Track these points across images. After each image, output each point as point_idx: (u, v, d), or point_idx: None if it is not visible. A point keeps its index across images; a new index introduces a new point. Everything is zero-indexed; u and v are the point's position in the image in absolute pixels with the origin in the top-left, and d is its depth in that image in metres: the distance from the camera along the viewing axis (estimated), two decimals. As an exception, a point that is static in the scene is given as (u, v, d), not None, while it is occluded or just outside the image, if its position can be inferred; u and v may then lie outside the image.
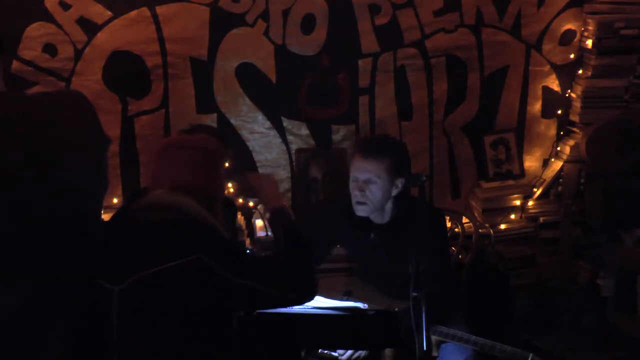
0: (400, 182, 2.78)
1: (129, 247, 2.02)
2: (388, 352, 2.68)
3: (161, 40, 3.40)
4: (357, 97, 3.64)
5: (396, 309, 2.50)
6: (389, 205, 2.82)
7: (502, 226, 3.77)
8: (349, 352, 2.71)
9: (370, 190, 2.74)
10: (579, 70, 3.76)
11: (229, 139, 3.19)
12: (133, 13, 3.35)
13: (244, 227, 3.49)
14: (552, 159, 3.86)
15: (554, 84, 3.82)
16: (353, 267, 3.24)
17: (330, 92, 3.61)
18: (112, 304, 1.95)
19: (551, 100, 3.83)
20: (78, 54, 3.34)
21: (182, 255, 1.92)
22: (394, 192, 2.79)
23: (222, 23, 3.44)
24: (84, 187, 1.89)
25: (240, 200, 3.47)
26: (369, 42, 3.57)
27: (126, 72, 3.41)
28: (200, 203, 2.05)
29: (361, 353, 2.71)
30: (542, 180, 3.85)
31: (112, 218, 2.21)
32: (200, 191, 2.08)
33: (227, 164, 2.26)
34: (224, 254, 1.99)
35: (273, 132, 3.62)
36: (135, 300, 1.94)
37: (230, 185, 3.43)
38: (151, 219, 2.02)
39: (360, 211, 2.79)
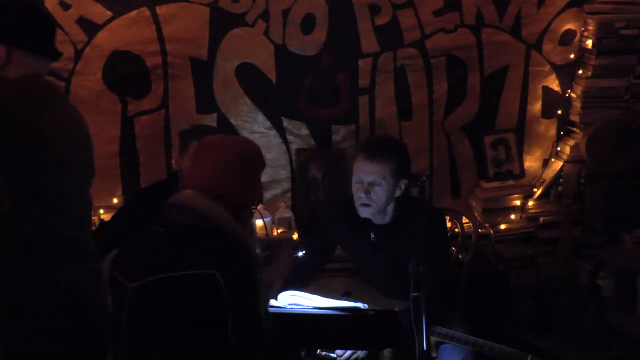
0: (403, 184, 2.78)
1: (149, 246, 2.02)
2: (387, 352, 2.68)
3: (161, 40, 3.40)
4: (357, 97, 3.64)
5: (396, 309, 2.50)
6: (390, 206, 2.81)
7: (502, 226, 3.77)
8: (348, 352, 2.71)
9: (375, 192, 2.73)
10: (579, 70, 3.75)
11: None
12: (133, 13, 3.35)
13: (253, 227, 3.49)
14: (552, 159, 3.86)
15: (554, 84, 3.82)
16: (353, 267, 3.24)
17: (330, 92, 3.61)
18: (125, 300, 1.95)
19: (551, 100, 3.83)
20: (78, 54, 3.34)
21: (198, 265, 1.90)
22: (397, 193, 2.78)
23: (222, 23, 3.44)
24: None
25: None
26: (369, 42, 3.57)
27: (126, 72, 3.41)
28: (227, 209, 1.99)
29: (360, 353, 2.71)
30: (542, 180, 3.85)
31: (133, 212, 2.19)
32: (229, 197, 2.01)
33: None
34: (240, 277, 1.93)
35: (273, 132, 3.62)
36: (146, 300, 1.94)
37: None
38: (176, 220, 1.99)
39: (364, 213, 2.78)
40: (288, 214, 3.59)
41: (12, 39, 2.00)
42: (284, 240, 3.20)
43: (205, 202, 1.97)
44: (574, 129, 3.82)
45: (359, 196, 2.76)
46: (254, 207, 1.99)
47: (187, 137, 2.97)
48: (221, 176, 2.01)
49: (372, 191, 2.73)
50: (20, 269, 1.95)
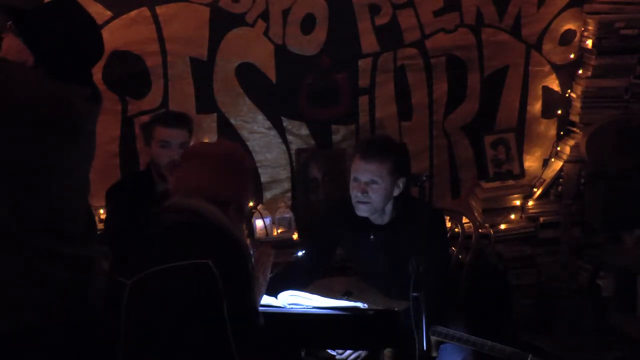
0: (401, 183, 2.78)
1: (145, 244, 2.06)
2: (388, 352, 2.68)
3: (161, 40, 3.40)
4: (357, 97, 3.65)
5: (396, 309, 2.50)
6: (389, 206, 2.81)
7: (502, 226, 3.77)
8: (348, 352, 2.71)
9: (372, 191, 2.74)
10: (579, 70, 3.76)
11: (191, 122, 3.17)
12: (133, 13, 3.35)
13: (244, 227, 3.49)
14: (552, 159, 3.86)
15: (554, 84, 3.82)
16: (353, 267, 3.24)
17: (330, 92, 3.61)
18: (123, 298, 1.98)
19: (551, 100, 3.83)
20: (78, 54, 3.33)
21: (192, 256, 1.94)
22: (396, 192, 2.78)
23: (222, 23, 3.44)
24: None
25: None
26: (369, 42, 3.58)
27: (126, 72, 3.41)
28: (217, 207, 2.06)
29: (361, 353, 2.71)
30: (542, 180, 3.85)
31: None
32: (212, 194, 2.08)
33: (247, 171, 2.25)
34: (233, 267, 1.98)
35: (273, 132, 3.62)
36: (144, 295, 1.97)
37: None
38: (169, 219, 2.05)
39: (362, 211, 2.79)
40: (288, 214, 3.59)
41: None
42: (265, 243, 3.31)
43: (195, 201, 2.05)
44: (574, 129, 3.82)
45: (355, 194, 2.77)
46: (255, 208, 2.01)
47: (149, 125, 3.10)
48: (206, 177, 2.10)
49: (369, 189, 2.74)
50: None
